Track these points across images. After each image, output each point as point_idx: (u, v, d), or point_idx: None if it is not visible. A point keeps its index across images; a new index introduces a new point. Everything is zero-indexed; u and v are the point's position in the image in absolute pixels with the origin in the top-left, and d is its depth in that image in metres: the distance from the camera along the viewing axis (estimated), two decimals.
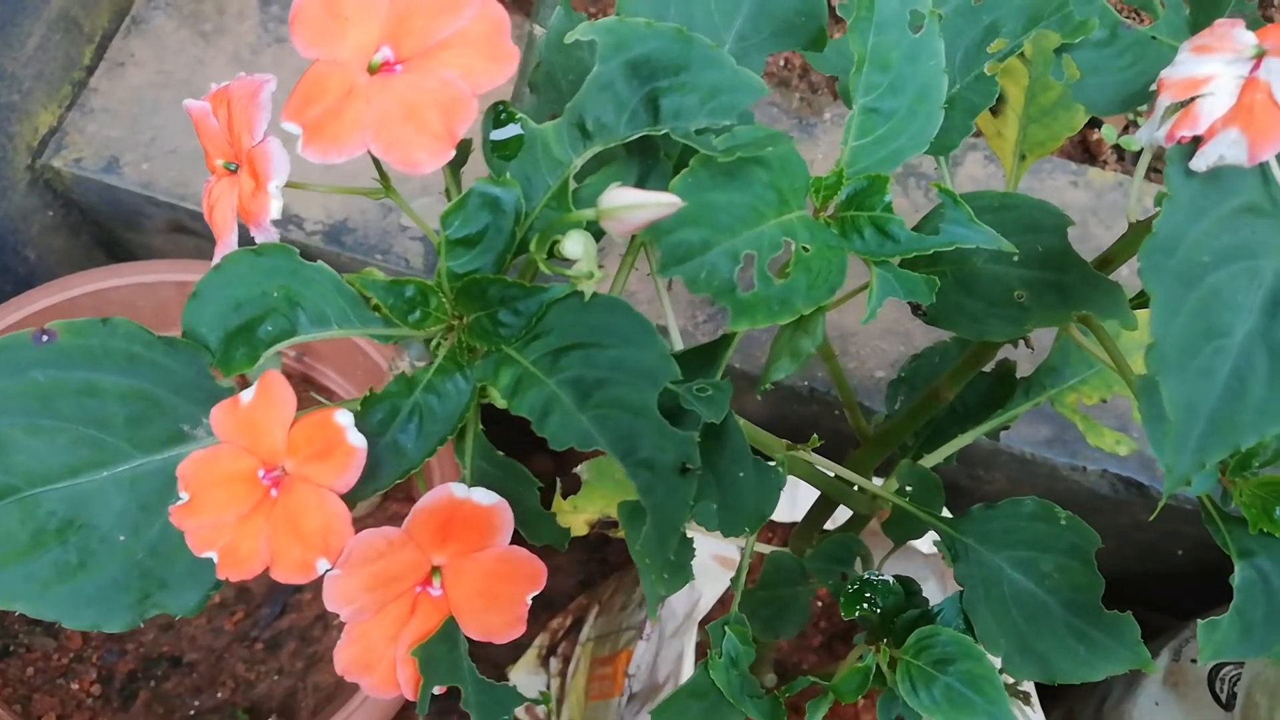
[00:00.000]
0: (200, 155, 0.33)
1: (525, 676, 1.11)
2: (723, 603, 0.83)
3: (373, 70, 0.27)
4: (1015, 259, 0.35)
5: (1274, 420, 0.28)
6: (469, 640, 0.30)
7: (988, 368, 0.54)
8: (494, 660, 1.10)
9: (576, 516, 0.66)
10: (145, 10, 0.96)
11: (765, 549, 0.72)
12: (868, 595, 0.41)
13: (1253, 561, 0.36)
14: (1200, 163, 0.28)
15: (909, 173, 0.86)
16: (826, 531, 0.60)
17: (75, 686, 0.79)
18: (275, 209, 0.31)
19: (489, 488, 0.31)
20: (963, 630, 0.40)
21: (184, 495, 0.29)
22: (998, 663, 0.40)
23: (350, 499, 0.28)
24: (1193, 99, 0.29)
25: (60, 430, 0.31)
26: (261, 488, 0.28)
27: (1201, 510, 0.37)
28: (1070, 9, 0.34)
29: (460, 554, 0.29)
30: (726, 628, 0.42)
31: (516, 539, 0.31)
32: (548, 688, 1.10)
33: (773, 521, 0.87)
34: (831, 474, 0.48)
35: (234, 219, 0.32)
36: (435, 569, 0.29)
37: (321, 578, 0.28)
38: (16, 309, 0.77)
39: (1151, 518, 0.35)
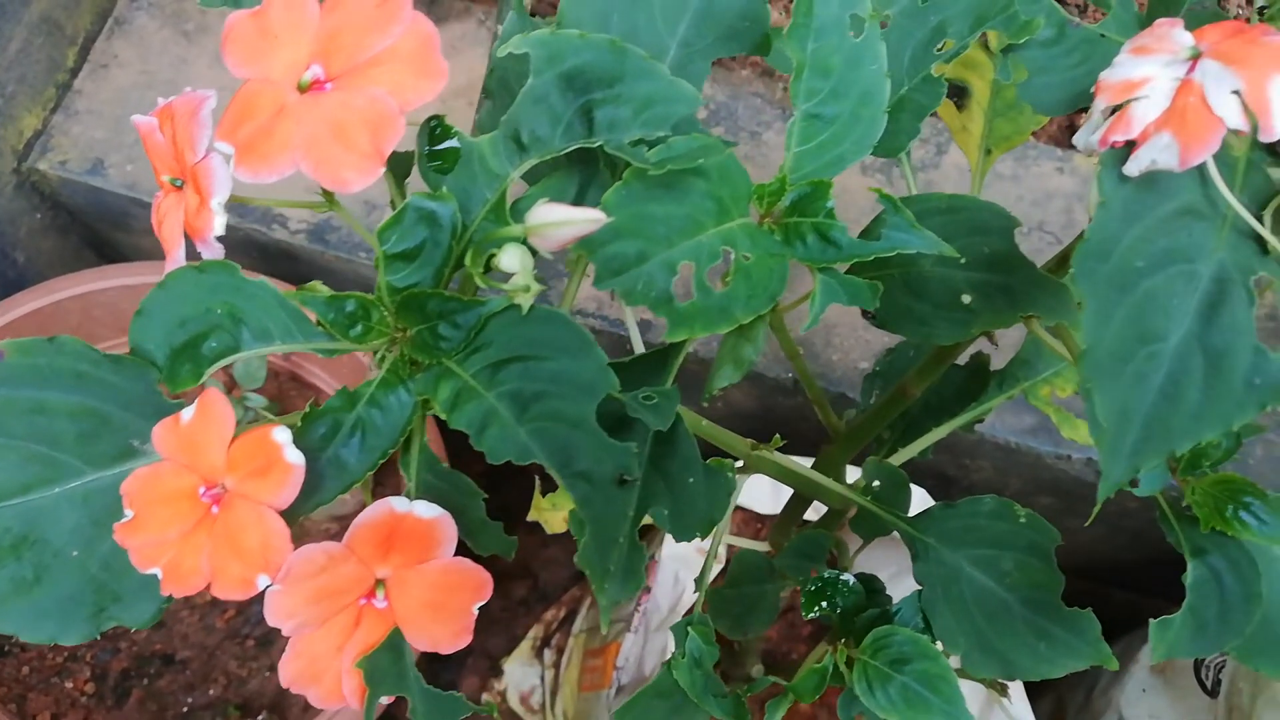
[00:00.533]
0: None
1: (520, 667, 1.12)
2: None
3: (303, 88, 0.27)
4: (963, 262, 0.35)
5: (1209, 425, 0.28)
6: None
7: (961, 361, 0.54)
8: (489, 652, 1.11)
9: (555, 514, 0.67)
10: (128, 11, 0.96)
11: (747, 544, 0.73)
12: (828, 594, 0.41)
13: (1205, 560, 0.36)
14: (1133, 167, 0.28)
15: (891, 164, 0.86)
16: (807, 523, 0.60)
17: (69, 685, 0.80)
18: (219, 225, 0.31)
19: (434, 499, 0.31)
20: (922, 629, 0.40)
21: (129, 512, 0.29)
22: (956, 661, 0.40)
23: (291, 515, 0.28)
24: (1128, 102, 0.28)
25: (11, 448, 0.31)
26: (203, 505, 0.28)
27: (1156, 508, 0.37)
28: (1015, 9, 0.34)
29: (404, 566, 0.30)
30: (690, 628, 0.42)
31: (463, 549, 0.31)
32: (542, 679, 1.11)
33: (755, 514, 0.87)
34: (798, 472, 0.48)
35: (181, 234, 0.33)
36: (380, 581, 0.30)
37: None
38: (2, 314, 0.77)
39: (1088, 523, 0.35)
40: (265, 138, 0.27)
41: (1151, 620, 0.35)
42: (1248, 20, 0.35)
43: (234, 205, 0.88)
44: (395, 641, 0.30)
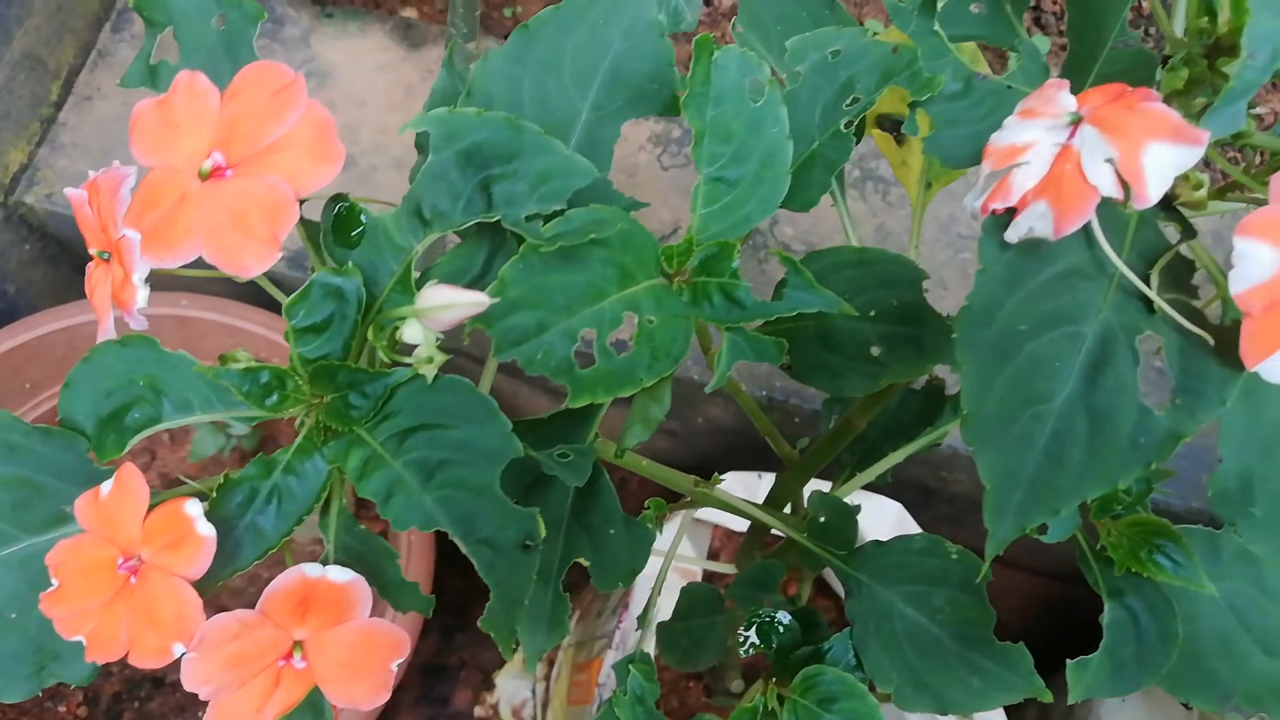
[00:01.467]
0: None
1: (511, 681, 1.13)
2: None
3: (204, 176, 0.28)
4: (872, 314, 0.35)
5: (1094, 484, 0.28)
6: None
7: (917, 386, 0.55)
8: (482, 666, 1.12)
9: None
10: (110, 43, 0.98)
11: (715, 567, 0.73)
12: (762, 633, 0.42)
13: (1122, 601, 0.37)
14: (1012, 234, 0.29)
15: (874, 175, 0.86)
16: (778, 539, 0.61)
17: (62, 709, 0.81)
18: (142, 298, 0.32)
19: (352, 561, 0.32)
20: (854, 666, 0.41)
21: (54, 582, 0.30)
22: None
23: (207, 584, 0.29)
24: (1011, 168, 0.29)
25: None
26: (121, 576, 0.29)
27: (1076, 549, 0.38)
28: (919, 66, 0.35)
29: (321, 628, 0.31)
30: (631, 665, 0.43)
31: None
32: (533, 692, 1.12)
33: (731, 532, 0.88)
34: (741, 507, 0.49)
35: (110, 304, 0.34)
36: (298, 643, 0.31)
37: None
38: None
39: (980, 576, 0.36)
40: (169, 225, 0.28)
41: (1069, 661, 0.36)
42: (1165, 59, 0.35)
43: None
44: (315, 700, 0.31)
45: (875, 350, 0.35)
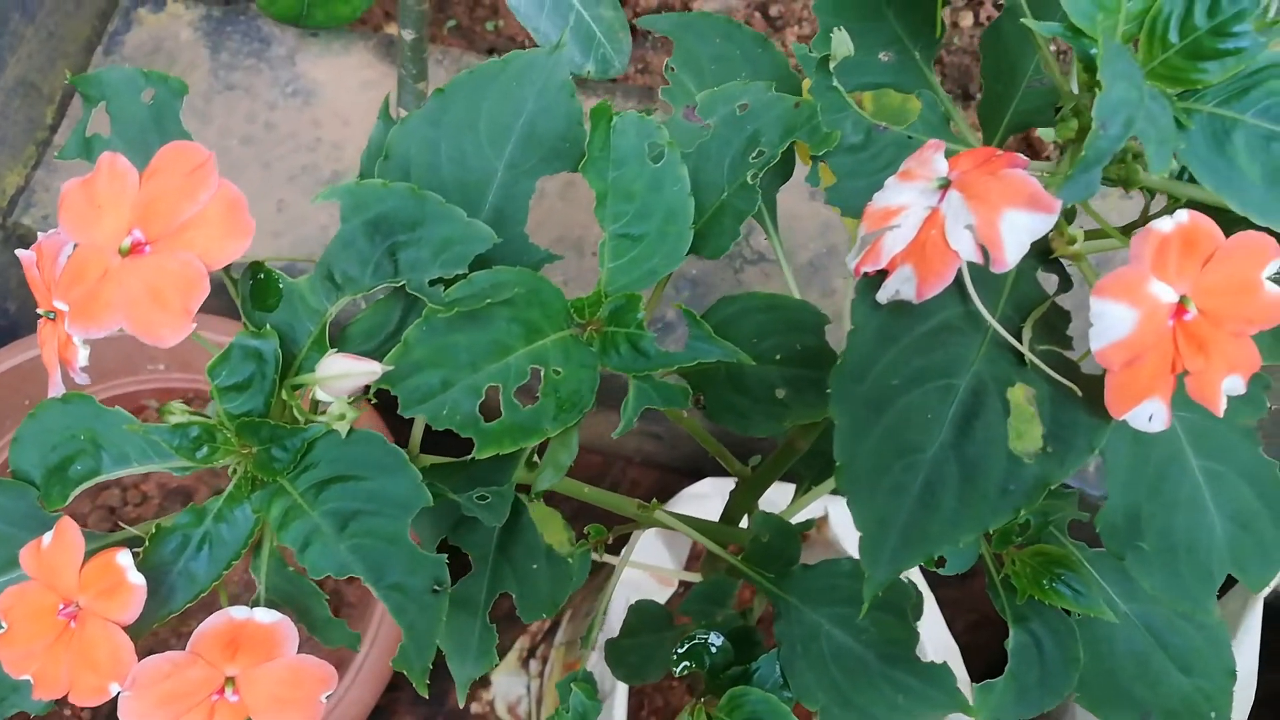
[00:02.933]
0: None
1: (507, 678, 1.16)
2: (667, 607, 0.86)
3: (124, 253, 0.30)
4: (778, 358, 0.37)
5: (965, 530, 0.30)
6: None
7: None
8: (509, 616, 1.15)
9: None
10: (103, 66, 1.00)
11: (687, 576, 0.75)
12: (694, 654, 0.44)
13: (1026, 627, 0.39)
14: (882, 296, 0.30)
15: None
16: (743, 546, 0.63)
17: (67, 712, 0.85)
18: (83, 357, 0.34)
19: (282, 600, 0.34)
20: (781, 686, 0.43)
21: (3, 624, 0.32)
22: None
23: (141, 627, 0.32)
24: (884, 231, 0.31)
25: None
26: (62, 621, 0.31)
27: (985, 575, 0.39)
28: (818, 121, 0.36)
29: (251, 665, 0.33)
30: (573, 685, 0.45)
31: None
32: (528, 689, 1.15)
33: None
34: (685, 527, 0.51)
35: (57, 361, 0.36)
36: (229, 679, 0.33)
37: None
38: None
39: (862, 614, 0.37)
40: (92, 300, 0.30)
41: (975, 685, 0.38)
42: (1058, 109, 0.36)
43: None
44: None
45: (780, 393, 0.37)
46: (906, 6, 0.38)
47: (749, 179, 0.37)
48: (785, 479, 0.56)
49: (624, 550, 0.69)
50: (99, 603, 0.31)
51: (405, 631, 0.31)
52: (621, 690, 0.77)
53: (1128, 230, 0.39)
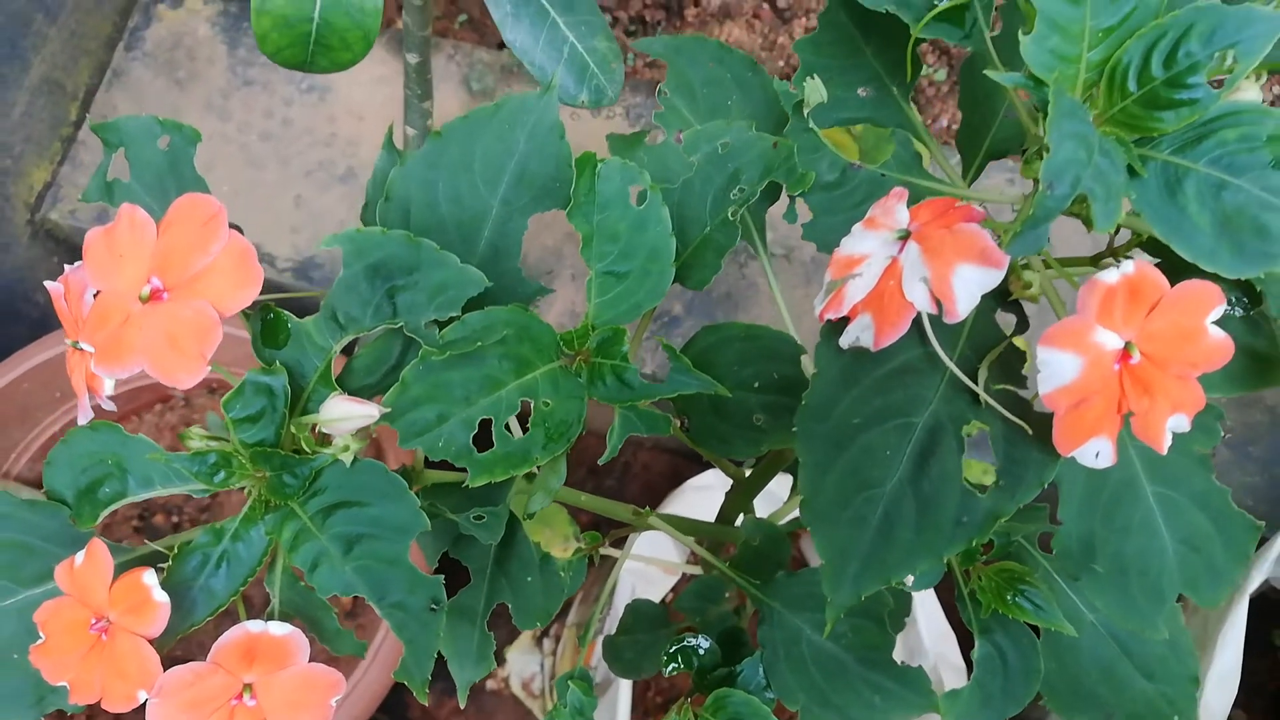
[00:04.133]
0: None
1: (521, 656, 1.20)
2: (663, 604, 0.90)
3: (144, 299, 0.32)
4: (756, 385, 0.39)
5: (921, 559, 0.32)
6: None
7: None
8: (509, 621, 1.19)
9: (548, 536, 0.76)
10: (124, 63, 1.03)
11: (691, 570, 0.78)
12: (681, 656, 0.47)
13: (991, 638, 0.41)
14: (844, 341, 0.32)
15: None
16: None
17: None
18: (109, 387, 0.37)
19: (295, 613, 0.37)
20: (764, 688, 0.45)
21: (42, 636, 0.36)
22: None
23: (165, 639, 0.35)
24: (847, 278, 0.33)
25: None
26: (94, 635, 0.34)
27: (955, 589, 0.42)
28: (795, 162, 0.38)
29: (267, 673, 0.36)
30: (570, 681, 0.48)
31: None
32: (541, 666, 1.19)
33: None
34: (677, 531, 0.53)
35: (85, 388, 0.39)
36: (247, 685, 0.36)
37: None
38: (16, 366, 0.86)
39: (825, 634, 0.39)
40: (116, 343, 0.32)
41: (940, 693, 0.40)
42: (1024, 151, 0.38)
43: None
44: None
45: (758, 418, 0.39)
46: (884, 45, 0.40)
47: (730, 215, 0.39)
48: (787, 470, 0.59)
49: (625, 545, 0.71)
50: (128, 618, 0.34)
51: (406, 646, 0.34)
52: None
53: (1096, 260, 0.41)
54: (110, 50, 1.03)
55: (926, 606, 0.82)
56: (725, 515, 0.60)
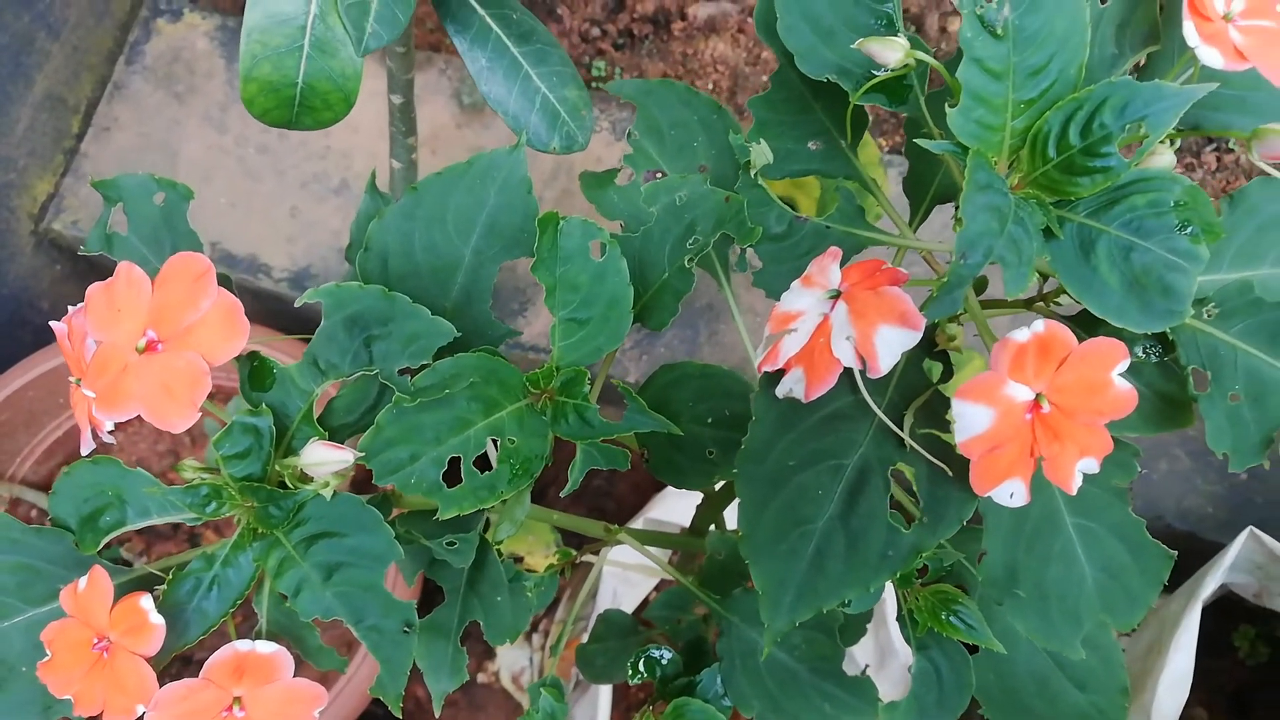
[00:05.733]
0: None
1: (511, 650, 1.24)
2: (646, 601, 0.93)
3: (141, 350, 0.35)
4: (710, 421, 0.42)
5: (850, 589, 0.35)
6: None
7: None
8: (483, 635, 1.23)
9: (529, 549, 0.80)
10: (125, 76, 1.05)
11: (672, 574, 0.82)
12: (646, 666, 0.50)
13: (927, 654, 0.44)
14: (780, 391, 0.35)
15: None
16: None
17: None
18: (109, 424, 0.40)
19: (281, 631, 0.40)
20: (720, 696, 0.48)
21: (49, 653, 0.39)
22: None
23: (161, 657, 0.38)
24: (783, 334, 0.35)
25: None
26: (96, 653, 0.38)
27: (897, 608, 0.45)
28: (744, 217, 0.41)
29: (255, 687, 0.39)
30: (543, 689, 0.51)
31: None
32: (530, 661, 1.22)
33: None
34: (646, 545, 0.56)
35: (88, 423, 0.42)
36: (236, 698, 0.39)
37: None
38: (22, 374, 0.89)
39: (763, 656, 0.42)
40: (114, 390, 0.35)
41: (881, 704, 0.43)
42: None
43: (224, 257, 0.98)
44: None
45: (711, 452, 0.42)
46: (832, 103, 0.43)
47: (686, 263, 0.42)
48: None
49: (601, 553, 0.74)
50: (127, 638, 0.37)
51: (381, 664, 0.37)
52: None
53: (1030, 303, 0.44)
54: (111, 64, 1.05)
55: None
56: (697, 527, 0.64)
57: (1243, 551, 0.78)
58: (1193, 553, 0.86)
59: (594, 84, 1.06)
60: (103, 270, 1.10)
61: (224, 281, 0.37)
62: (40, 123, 0.98)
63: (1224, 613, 0.90)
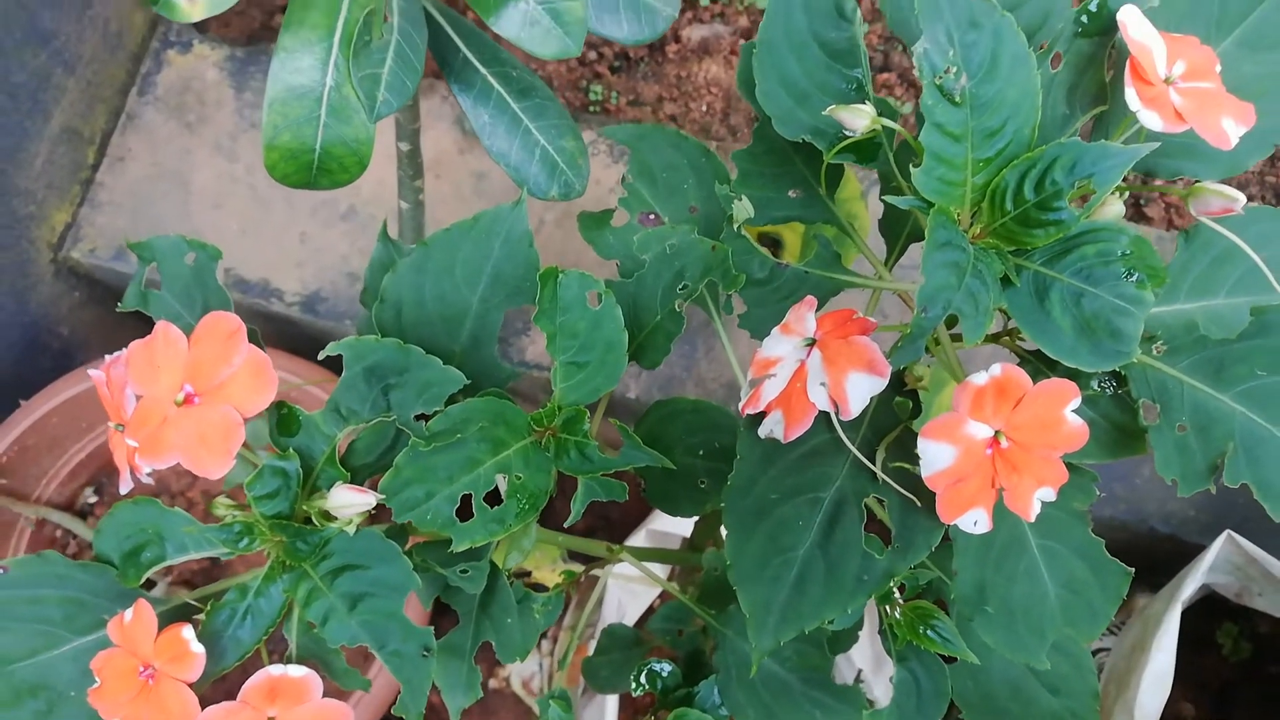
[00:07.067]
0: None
1: None
2: (650, 610, 0.96)
3: (179, 404, 0.39)
4: (701, 453, 0.45)
5: (829, 610, 0.39)
6: None
7: None
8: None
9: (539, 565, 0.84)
10: (137, 106, 1.09)
11: (670, 587, 0.85)
12: (648, 679, 0.53)
13: (907, 665, 0.47)
14: (761, 432, 0.38)
15: None
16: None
17: None
18: (148, 468, 0.43)
19: (310, 655, 0.44)
20: (718, 706, 0.52)
21: (98, 680, 0.42)
22: None
23: (202, 682, 0.41)
24: (764, 378, 0.39)
25: (22, 627, 0.45)
26: (142, 680, 0.41)
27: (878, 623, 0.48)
28: (729, 264, 0.44)
29: (287, 708, 0.42)
30: (551, 701, 0.55)
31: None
32: (540, 666, 1.26)
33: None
34: (643, 563, 0.60)
35: (127, 465, 0.45)
36: (272, 719, 0.43)
37: None
38: (44, 402, 0.93)
39: (752, 673, 0.46)
40: (155, 441, 0.39)
41: (865, 711, 0.47)
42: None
43: (236, 282, 1.02)
44: None
45: (702, 482, 0.45)
46: (810, 157, 0.46)
47: (676, 307, 0.45)
48: None
49: (605, 568, 0.78)
50: (170, 666, 0.41)
51: (403, 685, 0.41)
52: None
53: (996, 338, 0.47)
54: (124, 96, 1.09)
55: None
56: (695, 542, 0.67)
57: (1221, 554, 0.81)
58: (1176, 555, 0.89)
59: (591, 108, 1.09)
60: (118, 292, 1.13)
61: (253, 337, 0.40)
62: (58, 155, 1.02)
63: (1208, 612, 0.93)
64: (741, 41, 1.15)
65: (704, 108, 1.09)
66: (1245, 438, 0.41)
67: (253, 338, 0.40)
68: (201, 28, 1.12)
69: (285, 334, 1.04)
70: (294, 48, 0.44)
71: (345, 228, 1.04)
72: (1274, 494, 0.41)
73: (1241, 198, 0.42)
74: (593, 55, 1.11)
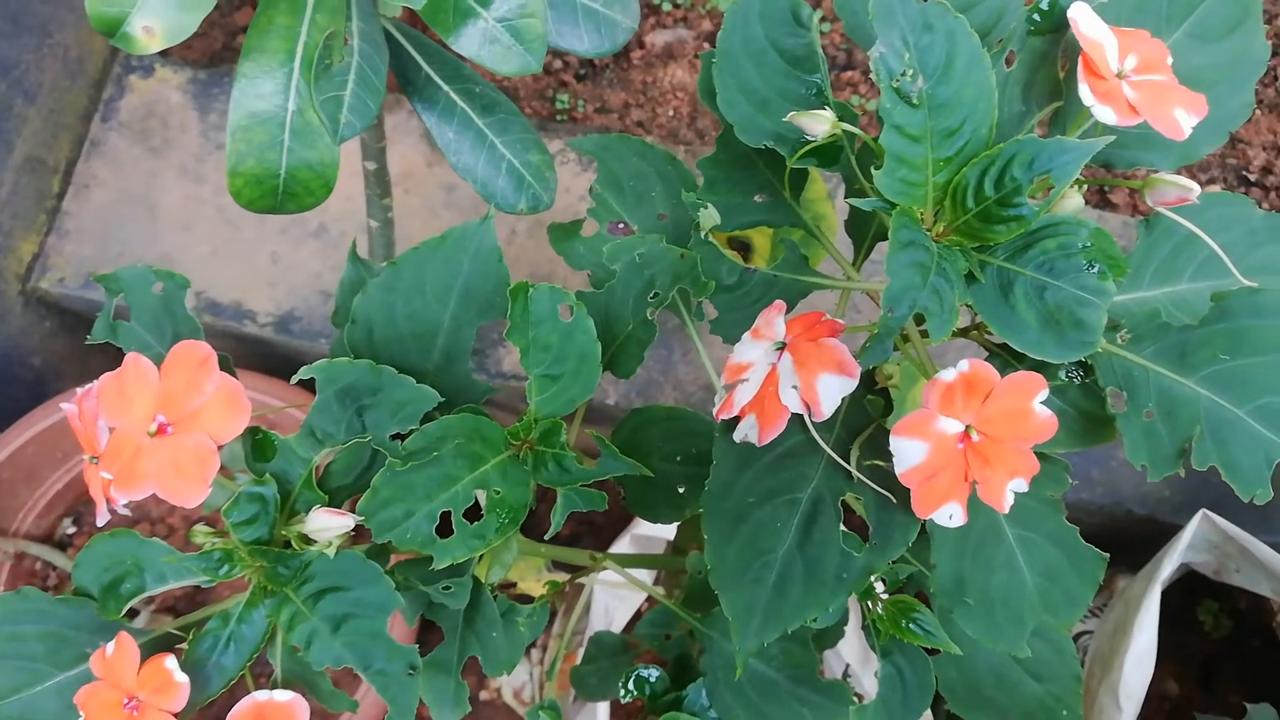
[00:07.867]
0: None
1: None
2: (639, 613, 0.97)
3: (152, 434, 0.39)
4: (678, 459, 0.46)
5: (810, 610, 0.39)
6: None
7: None
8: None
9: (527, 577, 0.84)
10: (101, 133, 1.08)
11: (657, 592, 0.85)
12: (637, 685, 0.53)
13: (891, 659, 0.48)
14: (737, 436, 0.39)
15: None
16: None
17: None
18: (124, 500, 0.43)
19: (295, 678, 0.44)
20: (707, 709, 0.52)
21: (82, 714, 0.42)
22: None
23: (186, 712, 0.41)
24: (737, 384, 0.39)
25: (2, 664, 0.44)
26: (127, 712, 0.41)
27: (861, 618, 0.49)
28: (698, 272, 0.44)
29: None
30: (541, 711, 0.55)
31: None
32: (531, 675, 1.26)
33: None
34: (628, 570, 0.60)
35: (103, 497, 0.45)
36: None
37: None
38: (24, 430, 0.92)
39: (736, 676, 0.46)
40: (130, 472, 0.39)
41: (852, 707, 0.47)
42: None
43: (208, 305, 1.01)
44: None
45: (681, 489, 0.46)
46: (774, 162, 0.46)
47: (648, 315, 0.45)
48: None
49: (590, 575, 0.78)
50: (155, 697, 0.40)
51: (389, 704, 0.41)
52: None
53: (965, 332, 0.48)
54: (87, 122, 1.08)
55: None
56: (679, 545, 0.67)
57: (1198, 532, 0.83)
58: (1154, 535, 0.91)
59: (558, 116, 1.10)
60: (89, 321, 1.12)
61: (224, 364, 0.40)
62: (22, 186, 1.01)
63: (1188, 590, 0.94)
64: (705, 45, 1.15)
65: (670, 112, 1.09)
66: (1211, 421, 0.42)
67: (224, 364, 0.40)
68: (163, 52, 1.11)
69: (260, 355, 1.03)
70: (254, 74, 0.44)
71: (316, 245, 1.04)
72: (1241, 475, 0.42)
73: (1196, 188, 0.42)
74: (558, 64, 1.12)
